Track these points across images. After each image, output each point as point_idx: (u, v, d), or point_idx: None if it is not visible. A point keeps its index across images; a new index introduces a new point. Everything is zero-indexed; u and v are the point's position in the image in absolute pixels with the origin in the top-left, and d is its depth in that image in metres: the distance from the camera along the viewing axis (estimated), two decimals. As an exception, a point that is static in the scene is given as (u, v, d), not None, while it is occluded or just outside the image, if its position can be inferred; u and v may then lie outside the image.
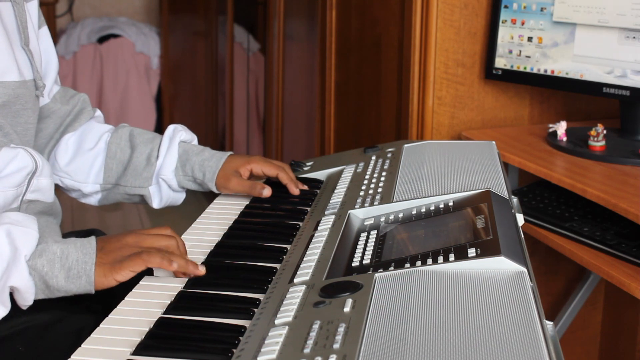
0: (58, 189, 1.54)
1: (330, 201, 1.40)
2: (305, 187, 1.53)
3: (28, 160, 1.30)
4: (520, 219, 1.26)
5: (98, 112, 1.60)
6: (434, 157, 1.51)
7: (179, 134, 1.56)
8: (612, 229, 1.68)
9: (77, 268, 1.13)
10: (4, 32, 1.31)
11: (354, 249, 1.16)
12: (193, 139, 1.59)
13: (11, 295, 1.14)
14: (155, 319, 1.03)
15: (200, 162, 1.53)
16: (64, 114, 1.54)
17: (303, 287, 1.03)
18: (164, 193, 1.55)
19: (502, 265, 0.99)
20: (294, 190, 1.51)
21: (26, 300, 1.14)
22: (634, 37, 1.83)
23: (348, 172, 1.55)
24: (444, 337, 0.83)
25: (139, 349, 0.96)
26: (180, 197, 1.59)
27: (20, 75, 1.32)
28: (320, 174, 1.61)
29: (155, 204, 1.56)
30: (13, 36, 1.34)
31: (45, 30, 1.48)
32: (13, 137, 1.32)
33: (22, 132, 1.35)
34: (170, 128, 1.57)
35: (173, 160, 1.53)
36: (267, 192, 1.49)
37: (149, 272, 1.19)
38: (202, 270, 1.16)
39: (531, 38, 2.01)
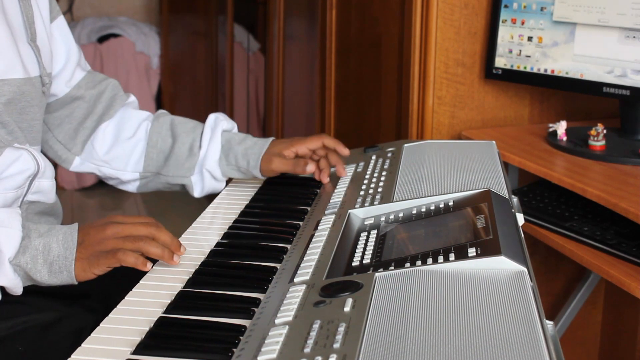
0: (59, 188, 1.54)
1: (331, 201, 1.40)
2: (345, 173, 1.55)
3: (30, 162, 1.30)
4: (520, 218, 1.26)
5: (132, 98, 1.61)
6: (434, 157, 1.51)
7: (221, 124, 1.57)
8: (612, 229, 1.68)
9: (58, 263, 1.16)
10: (7, 29, 1.30)
11: (354, 248, 1.16)
12: (233, 127, 1.61)
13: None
14: (156, 319, 1.03)
15: (244, 150, 1.54)
16: (91, 99, 1.53)
17: (303, 287, 1.03)
18: (206, 182, 1.57)
19: (502, 265, 0.99)
20: (343, 172, 1.53)
21: (15, 293, 1.19)
22: (634, 37, 1.83)
23: (348, 172, 1.55)
24: (444, 336, 0.83)
25: (139, 349, 0.96)
26: (221, 186, 1.61)
27: (25, 72, 1.32)
28: (321, 174, 1.61)
29: (197, 193, 1.58)
30: (19, 32, 1.33)
31: (60, 21, 1.47)
32: (18, 135, 1.32)
33: (27, 129, 1.35)
34: (212, 117, 1.59)
35: (216, 150, 1.55)
36: (310, 167, 1.51)
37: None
38: (176, 261, 1.18)
39: (531, 37, 2.01)
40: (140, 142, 1.56)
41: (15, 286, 1.17)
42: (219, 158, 1.55)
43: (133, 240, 1.17)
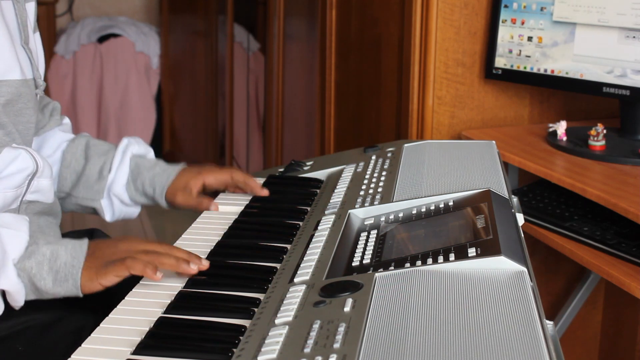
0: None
1: (331, 201, 1.40)
2: (266, 192, 1.51)
3: (29, 161, 1.30)
4: (520, 218, 1.26)
5: (66, 121, 1.58)
6: (434, 157, 1.51)
7: (131, 148, 1.54)
8: (612, 229, 1.68)
9: (64, 271, 1.14)
10: (6, 31, 1.30)
11: (354, 248, 1.16)
12: (148, 152, 1.58)
13: (5, 296, 1.15)
14: (156, 319, 1.03)
15: (151, 177, 1.52)
16: (38, 122, 1.52)
17: (303, 287, 1.03)
18: (116, 207, 1.54)
19: (502, 265, 0.99)
20: (260, 190, 1.49)
21: (17, 301, 1.15)
22: (634, 37, 1.83)
23: (348, 172, 1.54)
24: (444, 336, 0.83)
25: (139, 349, 0.96)
26: (134, 211, 1.58)
27: (22, 73, 1.32)
28: (320, 174, 1.61)
29: (108, 217, 1.55)
30: (14, 34, 1.34)
31: (39, 36, 1.47)
32: (15, 137, 1.32)
33: (23, 131, 1.35)
34: (124, 141, 1.56)
35: (124, 174, 1.53)
36: (213, 207, 1.48)
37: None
38: (194, 269, 1.15)
39: (531, 38, 2.01)
40: (57, 162, 1.53)
41: (18, 293, 1.14)
42: (126, 182, 1.53)
43: (146, 252, 1.15)
